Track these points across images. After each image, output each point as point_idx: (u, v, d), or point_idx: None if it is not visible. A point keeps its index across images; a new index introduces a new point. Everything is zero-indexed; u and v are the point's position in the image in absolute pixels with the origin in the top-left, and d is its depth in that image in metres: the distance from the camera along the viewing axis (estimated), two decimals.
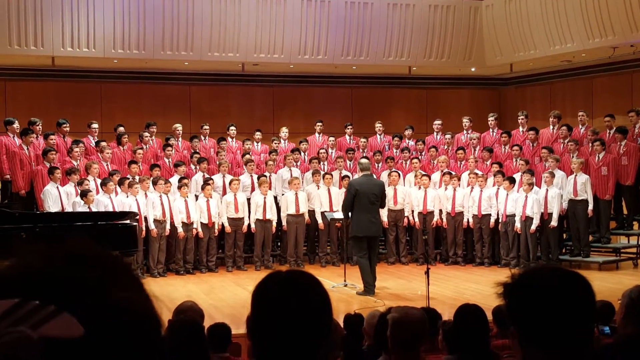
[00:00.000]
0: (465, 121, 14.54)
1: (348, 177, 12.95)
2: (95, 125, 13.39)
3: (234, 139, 14.36)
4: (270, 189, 12.84)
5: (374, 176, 11.65)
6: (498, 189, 12.64)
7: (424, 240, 11.99)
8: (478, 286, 10.45)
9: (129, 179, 11.93)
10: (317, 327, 1.59)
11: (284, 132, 14.54)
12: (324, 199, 13.05)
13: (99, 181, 11.76)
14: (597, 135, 12.94)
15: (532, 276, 1.67)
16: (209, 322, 4.72)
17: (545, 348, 1.60)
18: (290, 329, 1.56)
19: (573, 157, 12.65)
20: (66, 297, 0.78)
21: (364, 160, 10.75)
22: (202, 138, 14.12)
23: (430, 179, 13.22)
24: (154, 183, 11.97)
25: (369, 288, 10.04)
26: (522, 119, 14.05)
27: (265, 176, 12.92)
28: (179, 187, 12.16)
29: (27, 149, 12.03)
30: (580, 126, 13.53)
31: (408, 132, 14.83)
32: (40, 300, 0.76)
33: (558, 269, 1.75)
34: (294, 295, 1.59)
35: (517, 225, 12.23)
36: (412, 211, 13.19)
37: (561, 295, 1.60)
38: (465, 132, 14.54)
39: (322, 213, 12.84)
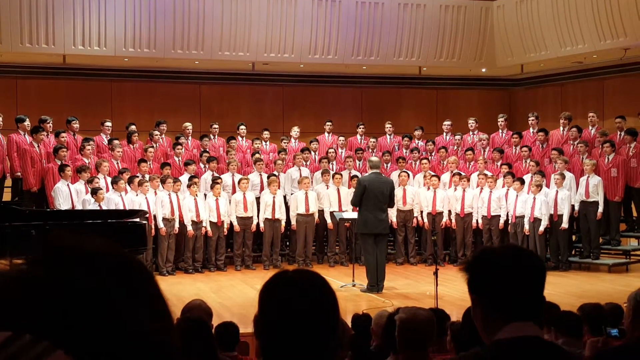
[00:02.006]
0: (471, 122, 14.50)
1: (357, 177, 12.92)
2: (108, 124, 13.42)
3: (243, 138, 14.37)
4: (279, 188, 12.84)
5: (383, 175, 11.65)
6: (508, 190, 12.58)
7: (432, 240, 11.99)
8: None
9: (138, 177, 11.96)
10: (324, 327, 1.58)
11: (296, 131, 14.54)
12: (333, 198, 13.04)
13: (109, 179, 11.79)
14: (606, 136, 12.88)
15: (488, 253, 1.89)
16: (217, 320, 4.72)
17: (501, 315, 1.75)
18: (297, 329, 1.56)
19: (583, 158, 12.59)
20: (67, 320, 0.69)
21: (374, 158, 10.83)
22: (212, 137, 14.14)
23: (439, 179, 13.19)
24: (163, 181, 12.00)
25: (372, 287, 10.20)
26: (532, 120, 13.99)
27: (275, 175, 12.92)
28: (189, 186, 12.18)
29: (38, 146, 12.07)
30: (590, 127, 13.47)
31: (418, 132, 14.81)
32: (37, 324, 0.67)
33: (512, 247, 1.92)
34: (301, 294, 1.59)
35: (526, 226, 12.19)
36: (421, 212, 13.16)
37: (512, 268, 1.78)
38: (471, 133, 14.51)
39: (331, 213, 12.83)
